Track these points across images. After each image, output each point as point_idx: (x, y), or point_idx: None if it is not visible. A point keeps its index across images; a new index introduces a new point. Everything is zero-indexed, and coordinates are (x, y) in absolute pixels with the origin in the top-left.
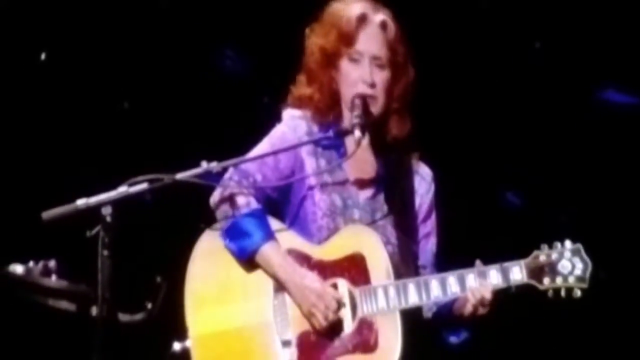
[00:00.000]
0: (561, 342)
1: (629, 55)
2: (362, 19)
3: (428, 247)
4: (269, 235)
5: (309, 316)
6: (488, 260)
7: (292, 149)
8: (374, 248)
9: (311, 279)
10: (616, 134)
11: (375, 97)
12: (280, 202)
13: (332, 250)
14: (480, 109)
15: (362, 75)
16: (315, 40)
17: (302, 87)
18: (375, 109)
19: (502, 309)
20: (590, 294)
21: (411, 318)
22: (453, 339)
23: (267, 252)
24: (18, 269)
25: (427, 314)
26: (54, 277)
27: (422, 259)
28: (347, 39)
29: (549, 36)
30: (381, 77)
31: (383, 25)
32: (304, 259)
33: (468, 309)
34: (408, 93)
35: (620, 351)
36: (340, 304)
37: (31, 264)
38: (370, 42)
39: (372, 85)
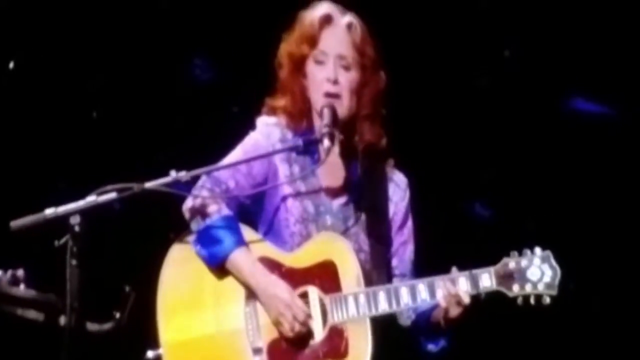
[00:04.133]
0: (539, 351)
1: (598, 64)
2: (327, 20)
3: (406, 255)
4: (240, 241)
5: (276, 324)
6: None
7: (265, 157)
8: (345, 255)
9: (281, 288)
10: (585, 143)
11: (340, 96)
12: (254, 208)
13: (304, 257)
14: (447, 119)
15: (326, 74)
16: (284, 47)
17: (275, 99)
18: (342, 109)
19: (479, 318)
20: (564, 305)
21: (382, 325)
22: (431, 347)
23: (238, 258)
24: None
25: (406, 321)
26: (22, 287)
27: (402, 267)
28: (311, 39)
29: (518, 45)
30: (347, 77)
31: (349, 26)
32: (276, 267)
33: (440, 312)
34: (379, 100)
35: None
36: (308, 316)
37: None
38: (335, 41)
39: (335, 82)
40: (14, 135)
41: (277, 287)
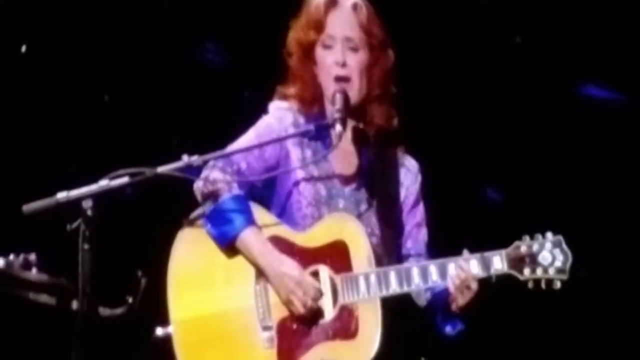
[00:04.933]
0: (551, 338)
1: (610, 51)
2: (332, 3)
3: (420, 236)
4: (250, 221)
5: (287, 303)
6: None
7: (278, 141)
8: (356, 236)
9: (290, 266)
10: (597, 129)
11: (349, 79)
12: (265, 191)
13: (315, 237)
14: (460, 105)
15: (335, 58)
16: (292, 35)
17: (287, 87)
18: (352, 92)
19: (489, 302)
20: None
21: (393, 306)
22: (448, 329)
23: (247, 238)
24: None
25: (424, 302)
26: (34, 271)
27: (417, 248)
28: (317, 25)
29: (530, 31)
30: (355, 58)
31: (354, 7)
32: (287, 246)
33: (451, 297)
34: (388, 79)
35: (610, 347)
36: (319, 292)
37: (11, 257)
38: (341, 24)
39: (344, 65)
40: (26, 119)
41: (286, 266)
